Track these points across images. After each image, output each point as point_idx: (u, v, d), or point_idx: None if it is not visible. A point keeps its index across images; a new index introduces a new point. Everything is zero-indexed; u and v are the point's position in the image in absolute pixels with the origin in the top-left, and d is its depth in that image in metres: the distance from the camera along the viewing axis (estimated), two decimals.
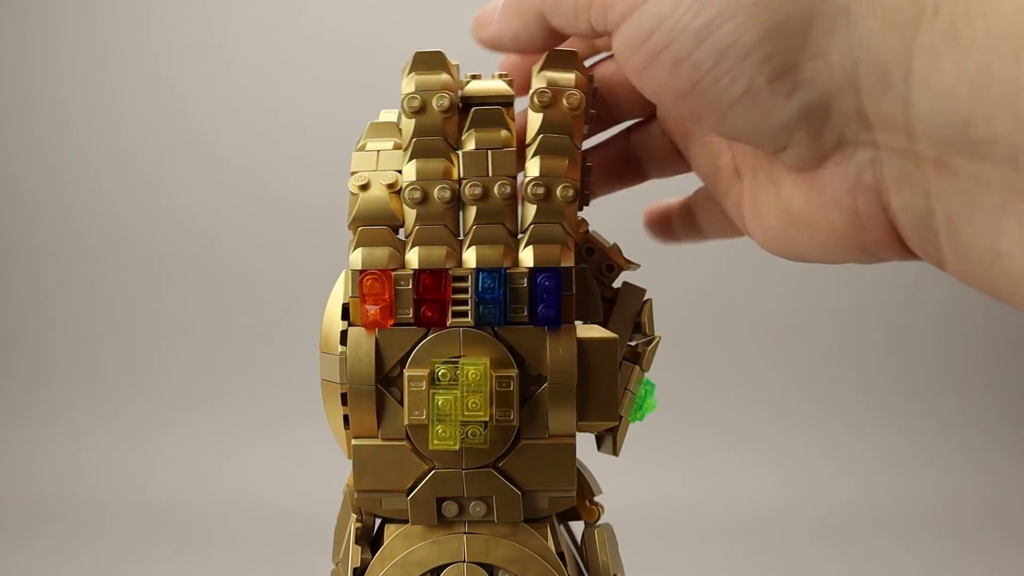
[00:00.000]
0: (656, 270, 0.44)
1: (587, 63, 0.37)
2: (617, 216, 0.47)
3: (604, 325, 0.37)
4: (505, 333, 0.34)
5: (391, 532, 0.37)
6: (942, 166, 0.23)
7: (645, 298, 0.38)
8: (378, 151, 0.35)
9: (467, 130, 0.35)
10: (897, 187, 0.25)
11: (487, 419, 0.34)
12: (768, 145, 0.27)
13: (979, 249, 0.23)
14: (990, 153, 0.22)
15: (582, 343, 0.35)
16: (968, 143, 0.22)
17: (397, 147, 0.35)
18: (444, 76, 0.35)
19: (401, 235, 0.35)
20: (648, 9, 0.26)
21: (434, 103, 0.34)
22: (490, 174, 0.34)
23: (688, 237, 0.39)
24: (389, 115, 0.38)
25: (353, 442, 0.35)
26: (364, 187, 0.35)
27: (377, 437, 0.35)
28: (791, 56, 0.24)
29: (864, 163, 0.25)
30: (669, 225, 0.40)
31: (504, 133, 0.35)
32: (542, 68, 0.35)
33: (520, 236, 0.35)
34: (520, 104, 0.36)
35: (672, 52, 0.25)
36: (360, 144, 0.36)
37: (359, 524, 0.38)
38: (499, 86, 0.35)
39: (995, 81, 0.22)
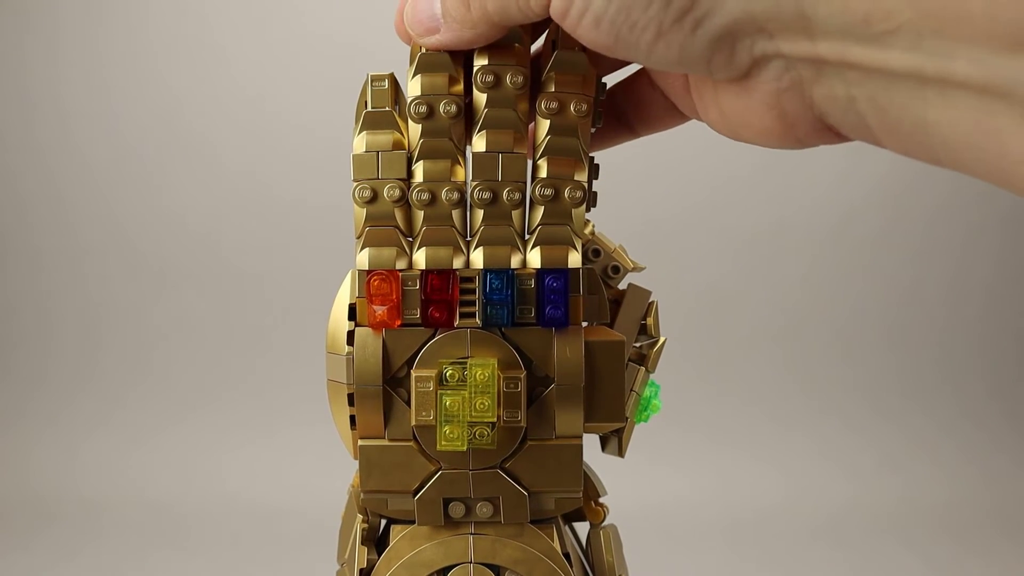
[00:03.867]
0: (657, 271, 0.44)
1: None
2: (622, 218, 0.47)
3: (610, 327, 0.37)
4: (512, 334, 0.34)
5: (397, 533, 0.37)
6: (846, 61, 0.26)
7: (650, 300, 0.38)
8: (378, 152, 0.34)
9: (478, 130, 0.34)
10: (813, 85, 0.28)
11: (495, 420, 0.34)
12: (693, 71, 0.31)
13: (908, 123, 0.26)
14: (894, 42, 0.25)
15: (589, 345, 0.35)
16: (870, 36, 0.26)
17: (397, 144, 0.34)
18: (449, 78, 0.34)
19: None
20: None
21: (441, 108, 0.34)
22: (500, 178, 0.34)
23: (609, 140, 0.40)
24: (379, 82, 0.35)
25: (360, 443, 0.35)
26: (370, 201, 0.34)
27: (384, 438, 0.35)
28: None
29: (779, 69, 0.29)
30: None
31: (516, 136, 0.34)
32: (550, 69, 0.34)
33: (528, 237, 0.35)
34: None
35: (592, 14, 0.29)
36: (357, 138, 0.35)
37: (365, 524, 0.38)
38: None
39: None
